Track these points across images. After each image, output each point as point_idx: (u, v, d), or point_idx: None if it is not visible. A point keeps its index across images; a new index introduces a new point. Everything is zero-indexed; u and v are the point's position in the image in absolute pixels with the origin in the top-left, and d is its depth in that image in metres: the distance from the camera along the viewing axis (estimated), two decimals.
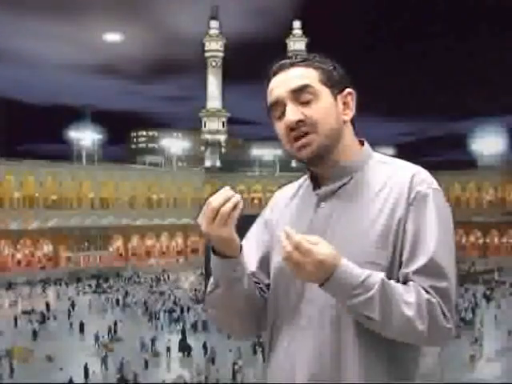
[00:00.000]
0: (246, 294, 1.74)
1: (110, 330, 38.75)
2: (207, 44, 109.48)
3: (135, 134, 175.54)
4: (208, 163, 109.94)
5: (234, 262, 1.68)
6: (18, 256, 71.83)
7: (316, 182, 1.77)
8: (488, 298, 51.75)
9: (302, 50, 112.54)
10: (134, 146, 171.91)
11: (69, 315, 44.38)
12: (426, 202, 1.62)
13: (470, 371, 30.83)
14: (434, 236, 1.58)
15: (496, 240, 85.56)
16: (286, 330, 1.71)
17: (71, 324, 41.99)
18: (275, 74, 1.71)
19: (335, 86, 1.69)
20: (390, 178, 1.67)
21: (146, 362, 32.02)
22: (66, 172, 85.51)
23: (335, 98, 1.69)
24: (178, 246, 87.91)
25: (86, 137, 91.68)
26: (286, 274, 1.68)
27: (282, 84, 1.68)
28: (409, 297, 1.52)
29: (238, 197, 1.61)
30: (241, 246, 1.70)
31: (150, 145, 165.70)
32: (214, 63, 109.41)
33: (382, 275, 1.53)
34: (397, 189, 1.64)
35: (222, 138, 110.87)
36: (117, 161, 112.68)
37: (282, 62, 1.71)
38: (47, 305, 48.17)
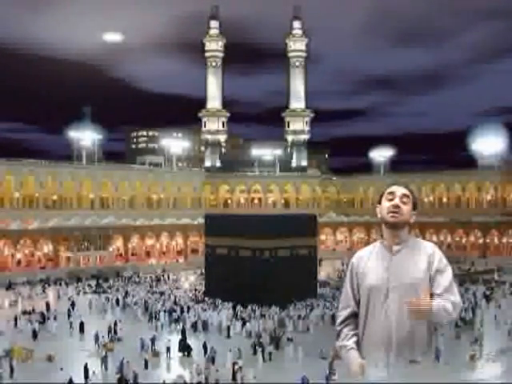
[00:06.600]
0: None
1: (110, 330, 38.74)
2: (207, 44, 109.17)
3: (135, 134, 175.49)
4: (208, 163, 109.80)
5: None
6: (18, 256, 71.77)
7: (387, 246, 3.64)
8: (488, 298, 51.71)
9: (302, 49, 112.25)
10: (133, 146, 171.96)
11: (69, 315, 44.33)
12: (446, 265, 3.58)
13: (470, 371, 30.86)
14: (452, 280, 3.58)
15: (496, 240, 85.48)
16: (378, 316, 3.53)
17: (71, 324, 41.96)
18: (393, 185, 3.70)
19: (414, 206, 3.64)
20: (421, 247, 3.61)
21: (146, 362, 32.03)
22: (65, 172, 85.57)
23: (411, 210, 3.64)
24: (178, 245, 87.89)
25: (85, 137, 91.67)
26: (374, 292, 3.55)
27: (398, 190, 3.64)
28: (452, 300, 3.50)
29: None
30: None
31: (150, 145, 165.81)
32: (214, 63, 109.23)
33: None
34: (428, 254, 3.57)
35: (222, 138, 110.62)
36: (117, 160, 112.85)
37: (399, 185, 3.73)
38: (47, 305, 48.15)
